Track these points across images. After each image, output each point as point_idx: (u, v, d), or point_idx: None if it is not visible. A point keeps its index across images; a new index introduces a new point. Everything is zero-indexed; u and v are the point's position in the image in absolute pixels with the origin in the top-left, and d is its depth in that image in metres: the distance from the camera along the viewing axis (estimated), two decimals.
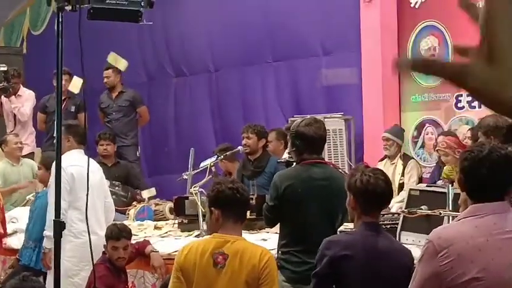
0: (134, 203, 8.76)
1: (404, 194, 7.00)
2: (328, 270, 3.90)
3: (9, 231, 7.92)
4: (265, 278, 4.18)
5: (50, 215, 6.26)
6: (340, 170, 6.18)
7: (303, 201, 5.16)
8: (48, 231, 6.31)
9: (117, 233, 6.06)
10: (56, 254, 4.26)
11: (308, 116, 8.27)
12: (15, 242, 7.71)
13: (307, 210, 5.15)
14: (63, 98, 9.98)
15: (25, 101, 10.61)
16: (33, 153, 10.24)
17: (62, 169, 6.28)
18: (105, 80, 10.22)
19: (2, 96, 10.57)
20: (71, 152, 6.54)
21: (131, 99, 10.19)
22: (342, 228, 5.39)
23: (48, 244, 6.36)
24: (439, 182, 7.24)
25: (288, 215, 5.24)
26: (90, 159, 6.62)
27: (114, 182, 8.97)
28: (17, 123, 10.51)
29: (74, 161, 6.38)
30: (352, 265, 3.88)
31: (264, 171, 7.90)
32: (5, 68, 10.81)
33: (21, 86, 10.79)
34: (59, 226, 4.18)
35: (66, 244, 5.92)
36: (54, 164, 6.20)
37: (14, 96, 10.60)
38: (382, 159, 8.42)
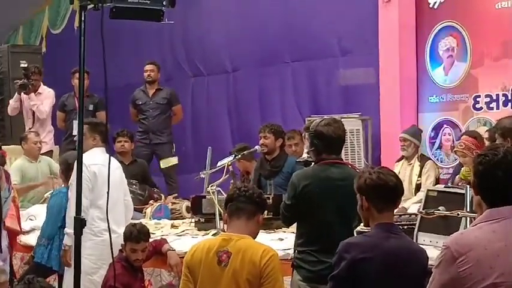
0: (151, 201, 8.80)
1: (421, 195, 6.99)
2: (347, 273, 3.89)
3: (27, 228, 7.98)
4: (267, 277, 4.21)
5: (71, 213, 6.30)
6: (358, 171, 6.17)
7: (320, 201, 5.17)
8: (69, 229, 6.35)
9: (137, 236, 6.09)
10: (77, 251, 4.28)
11: (325, 116, 8.37)
12: (33, 239, 7.74)
13: (324, 210, 5.15)
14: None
15: (44, 98, 10.63)
16: (51, 151, 10.29)
17: (84, 167, 6.36)
18: (148, 73, 10.27)
19: (22, 94, 10.60)
20: (93, 150, 6.58)
21: (168, 97, 10.26)
22: (358, 229, 5.40)
23: (68, 241, 6.41)
24: (456, 179, 7.22)
25: (305, 215, 5.25)
26: (111, 157, 6.69)
27: (131, 180, 9.00)
28: (36, 121, 10.54)
29: (96, 159, 6.41)
30: (371, 267, 3.87)
31: (282, 171, 7.91)
32: (26, 65, 10.87)
33: (42, 84, 10.81)
34: (80, 223, 4.20)
35: (86, 242, 5.96)
36: (75, 162, 6.26)
37: (33, 93, 10.62)
38: (399, 160, 8.41)
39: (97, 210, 6.43)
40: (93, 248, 6.33)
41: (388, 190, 3.99)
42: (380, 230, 3.97)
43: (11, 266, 6.81)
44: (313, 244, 5.19)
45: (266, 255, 4.24)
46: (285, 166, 7.92)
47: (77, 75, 10.18)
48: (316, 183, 5.21)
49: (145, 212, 8.50)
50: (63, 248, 6.58)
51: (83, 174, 6.36)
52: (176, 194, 9.22)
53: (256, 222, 4.45)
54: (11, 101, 10.77)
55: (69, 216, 6.38)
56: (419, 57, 9.17)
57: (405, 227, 5.95)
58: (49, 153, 10.03)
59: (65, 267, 6.62)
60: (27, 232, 7.93)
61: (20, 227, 7.53)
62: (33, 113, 10.57)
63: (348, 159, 8.49)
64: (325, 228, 5.13)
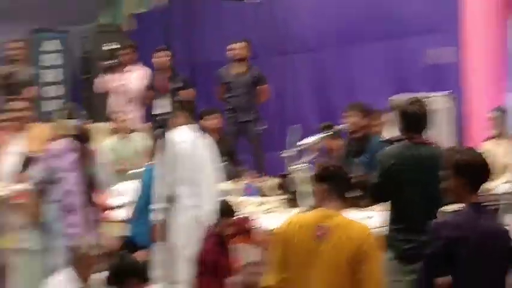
0: (239, 178, 8.87)
1: (509, 176, 6.89)
2: (442, 252, 3.89)
3: (116, 204, 8.13)
4: (364, 254, 4.21)
5: (158, 189, 6.42)
6: (443, 149, 6.11)
7: (406, 180, 5.21)
8: (157, 204, 6.46)
9: (230, 210, 6.20)
10: (166, 227, 4.36)
11: (410, 95, 8.30)
12: (122, 214, 7.90)
13: (411, 188, 5.18)
14: (167, 75, 10.22)
15: (135, 77, 10.71)
16: (139, 128, 10.41)
17: (173, 144, 6.47)
18: (238, 51, 10.33)
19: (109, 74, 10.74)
20: (182, 128, 6.66)
21: (256, 76, 10.33)
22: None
23: (156, 217, 6.52)
24: None
25: (392, 193, 5.30)
26: (201, 135, 6.79)
27: (220, 157, 9.07)
28: (125, 100, 10.67)
29: (185, 136, 6.49)
30: (464, 247, 3.87)
31: (367, 150, 7.89)
32: (111, 47, 10.97)
33: (134, 62, 10.83)
34: (169, 200, 4.28)
35: (176, 218, 6.08)
36: (164, 139, 6.37)
37: (122, 70, 10.72)
38: (487, 139, 8.30)
39: (185, 187, 6.51)
40: (181, 224, 6.42)
41: (480, 169, 4.00)
42: (472, 210, 3.97)
43: (102, 240, 6.95)
44: (400, 222, 5.24)
45: (365, 232, 4.28)
46: (369, 145, 7.89)
47: (158, 53, 10.32)
48: (403, 161, 5.26)
49: (233, 189, 8.57)
50: (152, 223, 6.71)
51: (172, 151, 6.53)
52: (263, 173, 9.27)
53: (346, 199, 4.45)
54: (98, 79, 10.91)
55: (157, 192, 6.50)
56: (506, 34, 9.00)
57: (492, 207, 5.88)
58: (132, 131, 10.13)
59: (155, 243, 6.74)
60: (117, 208, 8.09)
61: (109, 202, 7.68)
62: (123, 92, 10.70)
63: (434, 138, 8.41)
64: (412, 206, 5.17)
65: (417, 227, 4.91)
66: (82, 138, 6.42)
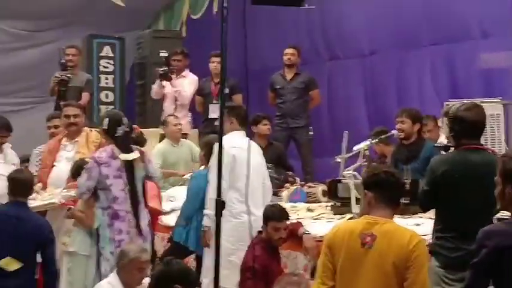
0: (287, 185, 8.88)
1: None
2: (489, 261, 3.79)
3: (167, 209, 8.19)
4: (413, 261, 4.13)
5: (211, 195, 6.45)
6: (499, 156, 6.00)
7: (459, 187, 5.10)
8: (209, 210, 6.49)
9: (279, 214, 6.20)
10: (217, 232, 4.38)
11: (464, 101, 8.20)
12: (173, 219, 7.94)
13: (464, 195, 5.09)
14: (217, 81, 10.28)
15: (188, 84, 10.80)
16: (186, 134, 10.48)
17: (224, 150, 6.49)
18: (288, 57, 10.36)
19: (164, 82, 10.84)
20: (232, 133, 6.68)
21: (306, 81, 10.33)
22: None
23: (208, 223, 6.54)
24: None
25: (443, 200, 5.20)
26: (252, 141, 6.80)
27: (267, 163, 9.08)
28: (177, 105, 10.75)
29: (236, 142, 6.50)
30: None
31: (419, 156, 7.80)
32: (166, 54, 11.08)
33: (186, 69, 10.95)
34: (220, 205, 4.30)
35: (225, 224, 6.09)
36: (216, 145, 6.41)
37: (176, 76, 10.80)
38: None
39: (236, 193, 6.53)
40: (231, 230, 6.44)
41: None
42: None
43: (153, 245, 7.02)
44: (451, 230, 5.14)
45: (414, 239, 4.20)
46: (422, 151, 7.78)
47: (213, 58, 10.38)
48: (456, 168, 5.15)
49: (281, 196, 8.59)
50: (202, 229, 6.74)
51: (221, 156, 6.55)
52: (312, 179, 9.26)
53: (396, 206, 4.39)
54: (154, 86, 11.01)
55: (210, 198, 6.53)
56: None
57: None
58: (184, 136, 10.19)
59: (205, 248, 6.77)
60: (168, 213, 8.15)
61: (161, 207, 7.74)
62: (175, 98, 10.77)
63: (487, 145, 8.29)
64: (465, 214, 5.07)
65: (468, 235, 4.79)
66: (126, 144, 6.45)
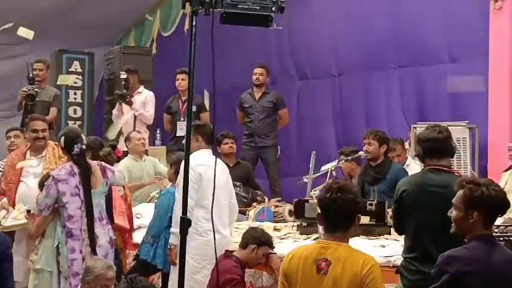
0: (254, 204, 8.88)
1: None
2: (449, 287, 3.81)
3: (135, 226, 8.13)
4: (367, 286, 4.13)
5: (177, 213, 6.43)
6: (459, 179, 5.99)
7: (416, 208, 5.09)
8: (175, 228, 6.47)
9: (271, 241, 6.27)
10: (182, 250, 4.37)
11: (431, 123, 8.27)
12: (140, 236, 7.89)
13: (421, 217, 5.06)
14: (184, 99, 10.29)
15: (147, 102, 10.90)
16: (146, 150, 10.47)
17: (190, 168, 6.47)
18: (258, 76, 10.37)
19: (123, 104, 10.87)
20: (199, 152, 6.68)
21: (275, 101, 10.34)
22: None
23: (174, 240, 6.52)
24: None
25: (405, 221, 5.20)
26: (218, 159, 6.79)
27: (235, 182, 9.07)
28: (135, 122, 10.76)
29: (202, 160, 6.49)
30: (476, 281, 3.79)
31: (386, 177, 7.83)
32: (125, 76, 11.07)
33: (140, 85, 11.06)
34: (186, 223, 4.29)
35: (191, 241, 6.07)
36: (182, 163, 6.39)
37: (132, 95, 10.89)
38: (507, 170, 8.24)
39: (202, 210, 6.52)
40: (197, 248, 6.42)
41: (502, 205, 3.93)
42: (481, 242, 3.89)
43: (121, 262, 6.96)
44: (411, 252, 5.12)
45: (367, 264, 4.16)
46: (389, 173, 7.85)
47: (180, 76, 10.41)
48: (413, 189, 5.15)
49: (248, 215, 8.59)
50: (169, 247, 6.71)
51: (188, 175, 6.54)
52: (280, 198, 9.28)
53: (354, 227, 4.32)
54: (113, 111, 11.08)
55: (175, 216, 6.51)
56: None
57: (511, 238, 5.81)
58: (145, 152, 10.17)
59: (171, 266, 6.74)
60: (133, 230, 8.09)
61: (131, 225, 7.66)
62: (135, 117, 10.83)
63: (453, 168, 8.37)
64: (421, 236, 5.04)
65: (428, 258, 4.82)
66: (83, 162, 6.42)
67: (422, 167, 5.32)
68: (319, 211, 4.33)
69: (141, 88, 11.06)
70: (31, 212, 6.74)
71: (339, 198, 4.20)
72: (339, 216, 4.23)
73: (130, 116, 10.86)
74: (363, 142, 8.06)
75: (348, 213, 4.25)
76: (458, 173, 5.75)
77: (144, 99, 10.96)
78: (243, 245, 6.29)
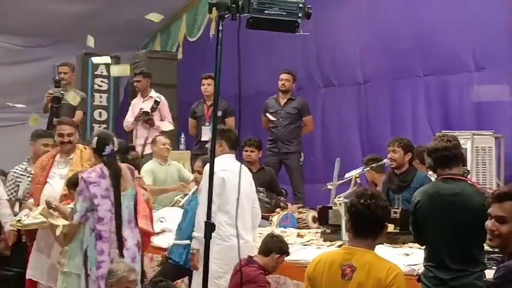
0: (277, 209, 8.88)
1: None
2: None
3: (157, 230, 8.13)
4: None
5: (200, 217, 6.44)
6: (476, 186, 5.93)
7: (430, 217, 5.17)
8: (197, 233, 6.48)
9: (286, 249, 6.28)
10: (205, 255, 4.36)
11: (456, 132, 8.24)
12: (163, 240, 7.92)
13: (435, 226, 5.14)
14: (209, 103, 10.30)
15: (163, 110, 10.83)
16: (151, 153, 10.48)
17: (214, 173, 6.47)
18: (284, 82, 10.37)
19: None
20: (222, 157, 6.67)
21: (299, 107, 10.33)
22: None
23: (196, 245, 6.52)
24: None
25: (421, 230, 5.28)
26: (242, 165, 6.79)
27: (258, 188, 9.08)
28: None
29: (225, 165, 6.48)
30: None
31: (410, 185, 7.81)
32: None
33: (151, 89, 11.01)
34: (210, 228, 4.30)
35: (214, 246, 6.07)
36: (206, 167, 6.39)
37: (142, 98, 10.86)
38: None
39: (225, 216, 6.51)
40: (220, 253, 6.41)
41: None
42: None
43: (142, 265, 6.98)
44: (429, 260, 5.21)
45: (392, 272, 4.15)
46: (413, 181, 7.81)
47: (205, 81, 10.43)
48: (426, 198, 5.24)
49: (271, 220, 8.59)
50: (191, 251, 6.72)
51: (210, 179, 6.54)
52: (301, 205, 9.26)
53: (381, 236, 4.33)
54: (128, 120, 11.04)
55: (198, 221, 6.52)
56: None
57: None
58: (149, 156, 10.15)
59: (193, 271, 6.75)
60: (157, 234, 8.11)
61: (152, 228, 7.68)
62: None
63: (478, 178, 8.35)
64: (436, 244, 5.14)
65: (443, 265, 4.97)
66: (114, 163, 6.44)
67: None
68: (346, 217, 4.32)
69: (152, 92, 11.00)
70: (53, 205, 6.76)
71: (373, 204, 4.19)
72: (370, 223, 4.22)
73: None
74: (387, 149, 8.03)
75: (379, 221, 4.25)
76: (470, 180, 5.76)
77: (159, 104, 10.88)
78: (266, 252, 6.28)
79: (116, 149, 6.48)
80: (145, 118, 10.64)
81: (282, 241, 6.38)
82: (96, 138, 6.52)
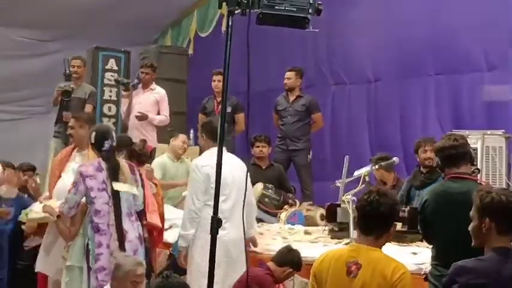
0: (286, 206, 8.87)
1: None
2: None
3: (165, 225, 8.14)
4: None
5: (185, 215, 6.47)
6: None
7: (438, 216, 5.18)
8: (182, 230, 6.50)
9: (299, 264, 6.29)
10: (212, 249, 4.34)
11: (467, 132, 8.20)
12: (171, 236, 7.91)
13: (442, 225, 5.13)
14: (219, 99, 10.28)
15: (162, 102, 10.72)
16: (154, 148, 10.40)
17: (197, 169, 6.46)
18: (286, 81, 10.36)
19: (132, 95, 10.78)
20: (208, 152, 6.65)
21: (308, 104, 10.29)
22: None
23: (183, 243, 6.53)
24: None
25: (429, 229, 5.31)
26: (234, 156, 6.76)
27: (267, 184, 9.08)
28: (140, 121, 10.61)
29: (210, 160, 6.38)
30: None
31: (434, 183, 7.78)
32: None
33: (153, 82, 10.87)
34: (217, 223, 4.29)
35: (198, 241, 6.08)
36: (194, 163, 6.43)
37: (143, 89, 10.76)
38: None
39: (211, 209, 6.48)
40: (205, 247, 6.38)
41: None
42: (496, 255, 3.80)
43: (150, 260, 6.97)
44: (437, 259, 5.22)
45: (398, 271, 4.13)
46: (438, 180, 7.76)
47: (216, 77, 10.41)
48: (434, 197, 5.25)
49: (279, 217, 8.57)
50: (178, 249, 6.72)
51: (195, 175, 6.51)
52: (311, 202, 9.25)
53: (388, 234, 4.30)
54: (123, 109, 11.01)
55: (183, 218, 6.55)
56: None
57: None
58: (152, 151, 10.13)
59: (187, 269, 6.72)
60: (165, 229, 8.10)
61: (162, 223, 7.67)
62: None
63: (488, 177, 8.30)
64: (444, 243, 5.14)
65: (450, 264, 4.89)
66: (112, 158, 6.44)
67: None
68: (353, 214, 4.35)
69: (154, 85, 10.88)
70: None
71: (376, 201, 4.18)
72: (373, 219, 4.21)
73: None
74: (419, 149, 7.98)
75: (384, 218, 4.22)
76: (478, 179, 5.74)
77: (157, 97, 10.77)
78: (279, 263, 6.24)
79: (114, 144, 6.49)
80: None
81: (298, 257, 6.33)
82: (95, 133, 6.53)
